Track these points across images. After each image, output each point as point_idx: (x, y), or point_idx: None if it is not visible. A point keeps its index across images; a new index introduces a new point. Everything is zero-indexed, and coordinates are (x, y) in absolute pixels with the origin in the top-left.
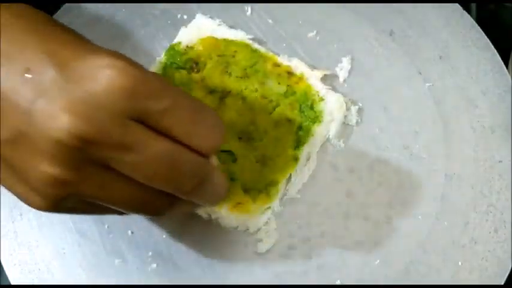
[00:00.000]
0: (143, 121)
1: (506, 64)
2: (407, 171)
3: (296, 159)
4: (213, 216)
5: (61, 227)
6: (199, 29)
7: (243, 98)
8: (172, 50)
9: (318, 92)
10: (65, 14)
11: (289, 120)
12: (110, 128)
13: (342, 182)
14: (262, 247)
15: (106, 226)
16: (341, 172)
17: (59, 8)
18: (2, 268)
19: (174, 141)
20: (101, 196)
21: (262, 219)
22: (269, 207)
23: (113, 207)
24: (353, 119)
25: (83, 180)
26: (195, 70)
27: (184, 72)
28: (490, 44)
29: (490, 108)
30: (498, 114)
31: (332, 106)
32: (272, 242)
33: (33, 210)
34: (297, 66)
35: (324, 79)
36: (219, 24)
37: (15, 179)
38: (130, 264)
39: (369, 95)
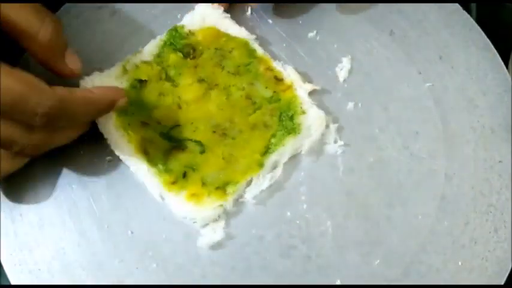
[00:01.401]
0: None
1: (506, 64)
2: (407, 171)
3: (261, 165)
4: (166, 202)
5: (61, 227)
6: (204, 17)
7: (228, 94)
8: (175, 31)
9: (302, 104)
10: (65, 14)
11: (266, 126)
12: None
13: (342, 182)
14: (204, 242)
15: (106, 226)
16: (341, 172)
17: (59, 8)
18: (2, 268)
19: None
20: None
21: (212, 215)
22: (221, 205)
23: None
24: (331, 137)
25: None
26: (191, 56)
27: (180, 55)
28: (490, 44)
29: (490, 108)
30: (498, 114)
31: (311, 122)
32: (217, 239)
33: (33, 210)
34: (289, 74)
35: (313, 93)
36: (225, 17)
37: None
38: (130, 264)
39: (369, 95)
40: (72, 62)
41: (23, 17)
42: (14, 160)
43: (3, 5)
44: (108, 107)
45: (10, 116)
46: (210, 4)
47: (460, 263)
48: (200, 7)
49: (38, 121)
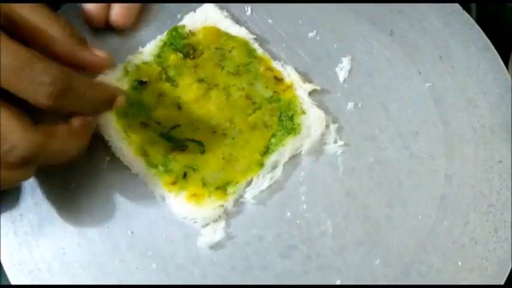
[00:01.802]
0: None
1: (506, 64)
2: (407, 171)
3: (261, 165)
4: (166, 202)
5: (61, 227)
6: (205, 16)
7: (228, 94)
8: (175, 31)
9: (301, 104)
10: (65, 14)
11: (266, 126)
12: None
13: (342, 182)
14: (204, 242)
15: (106, 226)
16: (341, 172)
17: (59, 8)
18: (2, 268)
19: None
20: None
21: (213, 215)
22: (222, 205)
23: None
24: (331, 137)
25: None
26: (191, 56)
27: (180, 55)
28: (490, 44)
29: (490, 108)
30: (498, 114)
31: (311, 122)
32: (217, 239)
33: (33, 210)
34: (289, 74)
35: (313, 93)
36: (226, 17)
37: None
38: (130, 264)
39: (369, 95)
40: (98, 52)
41: (36, 16)
42: (14, 171)
43: (18, 8)
44: (109, 101)
45: (15, 86)
46: (213, 4)
47: (460, 263)
48: (203, 7)
49: (45, 91)
